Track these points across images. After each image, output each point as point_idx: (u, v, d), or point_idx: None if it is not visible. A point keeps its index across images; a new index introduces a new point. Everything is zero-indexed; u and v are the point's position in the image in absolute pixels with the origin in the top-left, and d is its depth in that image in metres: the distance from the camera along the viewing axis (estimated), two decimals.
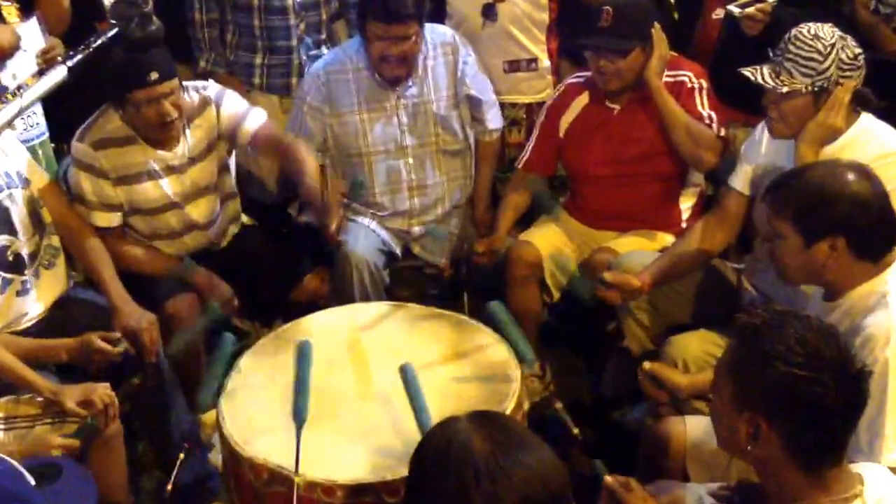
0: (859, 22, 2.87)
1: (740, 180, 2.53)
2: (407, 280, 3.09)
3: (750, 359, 1.56)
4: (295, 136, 2.90)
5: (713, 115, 2.77)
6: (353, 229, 2.95)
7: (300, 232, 3.03)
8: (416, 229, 3.07)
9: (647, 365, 2.20)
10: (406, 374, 2.11)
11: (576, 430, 1.83)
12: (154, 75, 2.52)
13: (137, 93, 2.54)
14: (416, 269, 3.12)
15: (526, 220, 3.12)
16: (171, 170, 2.72)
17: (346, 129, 2.98)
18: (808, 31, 2.25)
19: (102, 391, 2.21)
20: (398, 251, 3.06)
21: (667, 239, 2.84)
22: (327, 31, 3.27)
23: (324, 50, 3.21)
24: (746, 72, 2.31)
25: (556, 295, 2.92)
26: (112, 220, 2.71)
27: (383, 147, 2.99)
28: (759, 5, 2.74)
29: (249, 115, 2.76)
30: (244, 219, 3.05)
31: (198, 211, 2.79)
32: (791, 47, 2.25)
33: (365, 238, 2.94)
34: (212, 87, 2.77)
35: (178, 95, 2.60)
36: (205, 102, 2.73)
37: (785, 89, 2.25)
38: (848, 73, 2.24)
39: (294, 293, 2.91)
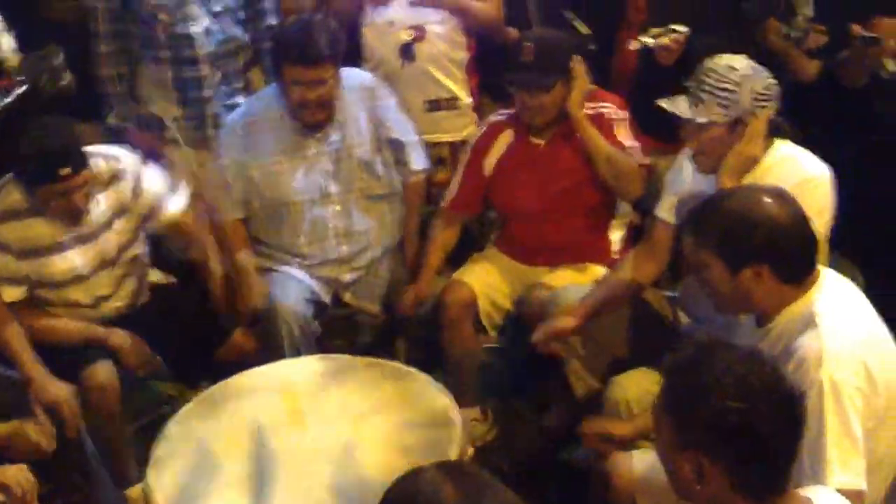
0: (771, 48, 2.93)
1: (666, 209, 2.54)
2: (339, 330, 3.01)
3: (682, 397, 1.55)
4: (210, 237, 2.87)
5: (635, 144, 2.79)
6: (280, 280, 2.87)
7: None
8: (347, 277, 3.00)
9: (585, 428, 2.22)
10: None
11: None
12: (65, 170, 2.42)
13: (47, 187, 2.45)
14: (348, 317, 3.05)
15: (457, 258, 3.09)
16: (79, 240, 2.62)
17: (268, 179, 2.92)
18: (723, 63, 2.28)
19: (20, 474, 2.08)
20: (328, 300, 2.99)
21: (599, 271, 2.83)
22: (244, 79, 3.21)
23: (240, 98, 3.14)
24: (663, 103, 2.32)
25: (492, 334, 2.89)
26: (17, 294, 2.58)
27: (308, 196, 2.93)
28: (672, 36, 2.78)
29: (170, 200, 2.71)
30: (160, 277, 2.94)
31: (104, 282, 2.69)
32: (706, 79, 2.27)
33: (293, 289, 2.85)
34: (125, 160, 2.68)
35: (89, 185, 2.52)
36: (116, 176, 2.64)
37: (702, 120, 2.27)
38: (762, 103, 2.26)
39: (220, 351, 2.81)
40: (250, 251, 2.95)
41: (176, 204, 2.72)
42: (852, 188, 2.34)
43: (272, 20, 3.20)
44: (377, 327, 3.08)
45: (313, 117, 2.86)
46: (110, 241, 2.67)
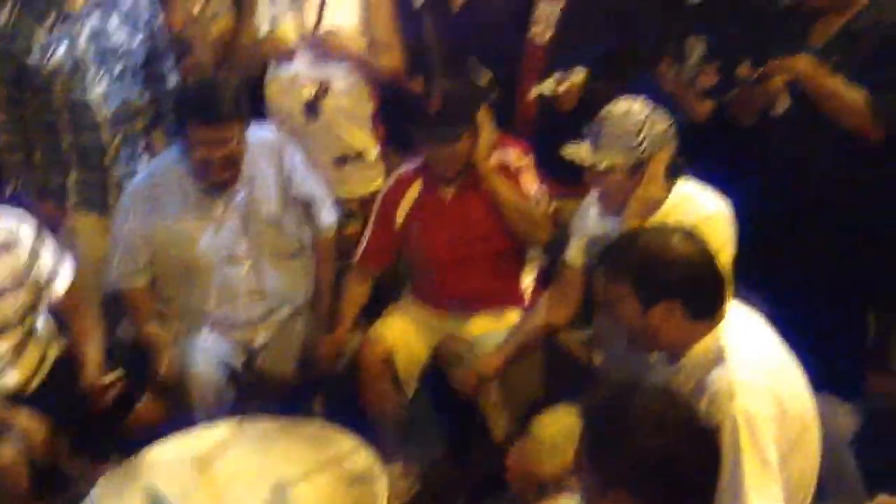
0: (665, 88, 3.01)
1: (575, 252, 2.59)
2: (254, 393, 2.95)
3: (603, 440, 1.61)
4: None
5: (541, 190, 2.83)
6: (190, 346, 2.81)
7: (128, 352, 2.84)
8: (260, 338, 2.95)
9: (511, 458, 2.20)
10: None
11: None
12: None
13: None
14: (263, 379, 2.99)
15: (371, 312, 3.07)
16: None
17: (175, 241, 2.86)
18: (621, 108, 2.34)
19: None
20: (242, 363, 2.93)
21: (514, 316, 2.84)
22: (145, 141, 3.15)
23: (143, 161, 3.09)
24: (566, 152, 2.37)
25: (413, 388, 2.87)
26: None
27: (216, 256, 2.88)
28: (571, 80, 2.85)
29: (59, 274, 2.65)
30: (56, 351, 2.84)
31: (1, 349, 2.59)
32: (606, 125, 2.34)
33: (204, 354, 2.79)
34: (21, 228, 2.59)
35: None
36: (11, 243, 2.56)
37: (603, 166, 2.32)
38: (661, 145, 2.33)
39: (129, 422, 2.71)
40: (157, 320, 2.88)
41: (63, 279, 2.66)
42: (752, 223, 2.42)
43: (172, 80, 3.17)
44: (294, 388, 3.02)
45: (219, 176, 2.82)
46: (6, 306, 2.57)
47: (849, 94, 2.59)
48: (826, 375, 2.06)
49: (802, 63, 2.64)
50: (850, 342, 2.94)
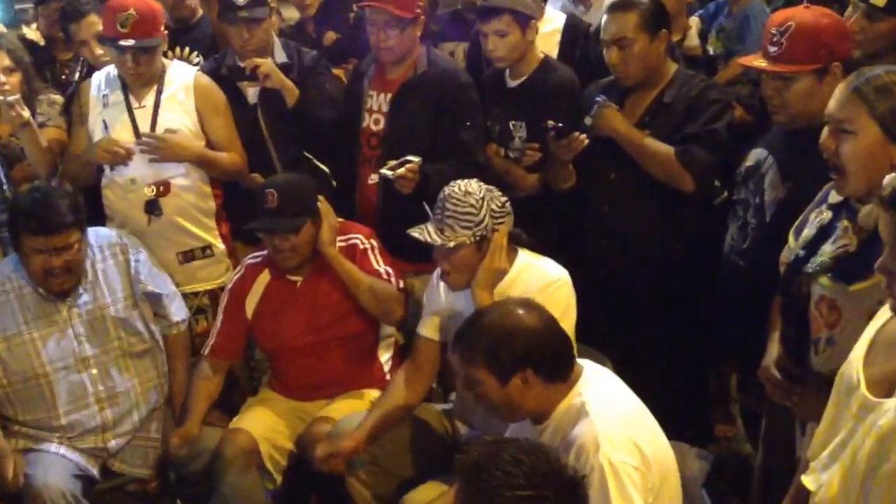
0: (494, 168, 3.20)
1: (428, 327, 2.67)
2: (112, 503, 2.83)
3: (477, 495, 1.67)
4: None
5: (389, 270, 2.91)
6: (40, 460, 2.67)
7: None
8: (113, 443, 2.83)
9: None
10: None
11: None
12: None
13: None
14: (119, 487, 2.87)
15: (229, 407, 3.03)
16: None
17: (15, 352, 2.75)
18: (459, 189, 2.47)
19: None
20: (96, 472, 2.80)
21: (375, 395, 2.87)
22: None
23: None
24: (414, 232, 2.48)
25: (279, 479, 2.83)
26: None
27: (61, 363, 2.78)
28: (407, 166, 2.98)
29: None
30: None
31: None
32: (448, 206, 2.45)
33: (56, 467, 2.66)
34: None
35: None
36: None
37: (451, 244, 2.43)
38: (500, 220, 2.48)
39: None
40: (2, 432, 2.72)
41: None
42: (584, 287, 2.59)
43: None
44: (152, 494, 2.92)
45: (62, 286, 2.77)
46: None
47: (657, 146, 2.86)
48: (674, 423, 2.19)
49: (612, 116, 2.88)
50: (693, 390, 3.16)
